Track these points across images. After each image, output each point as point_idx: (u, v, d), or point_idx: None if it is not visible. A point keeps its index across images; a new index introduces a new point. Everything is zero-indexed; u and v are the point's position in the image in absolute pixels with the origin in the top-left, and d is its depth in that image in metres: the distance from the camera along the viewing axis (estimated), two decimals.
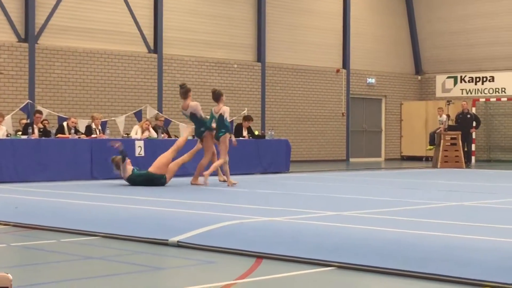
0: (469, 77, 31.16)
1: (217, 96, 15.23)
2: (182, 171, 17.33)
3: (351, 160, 29.86)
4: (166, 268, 7.20)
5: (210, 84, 25.05)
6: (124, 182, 15.01)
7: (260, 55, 27.04)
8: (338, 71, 29.50)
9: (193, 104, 15.20)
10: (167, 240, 7.99)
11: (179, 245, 7.85)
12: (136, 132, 18.98)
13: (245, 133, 20.71)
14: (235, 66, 26.37)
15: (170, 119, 22.00)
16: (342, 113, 29.75)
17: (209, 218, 8.71)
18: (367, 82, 30.73)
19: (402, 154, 31.69)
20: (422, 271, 6.35)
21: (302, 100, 28.37)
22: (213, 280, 6.29)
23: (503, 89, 30.31)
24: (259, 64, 27.02)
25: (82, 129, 18.69)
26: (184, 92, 15.22)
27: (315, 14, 28.83)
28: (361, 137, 30.92)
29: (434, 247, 6.78)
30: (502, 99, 29.77)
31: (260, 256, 7.25)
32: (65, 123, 18.52)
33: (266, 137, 20.89)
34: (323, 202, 11.61)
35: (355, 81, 30.25)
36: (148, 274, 6.71)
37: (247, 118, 21.15)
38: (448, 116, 25.02)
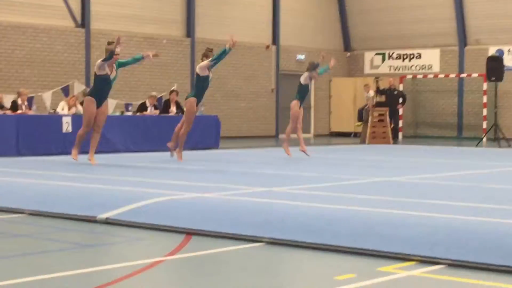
0: (397, 54, 31.55)
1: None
2: (108, 147, 17.20)
3: (281, 136, 29.98)
4: (95, 245, 7.14)
5: None
6: (50, 159, 14.80)
7: (189, 31, 26.88)
8: (267, 47, 29.52)
9: None
10: (96, 217, 7.92)
11: (107, 222, 7.80)
12: (63, 108, 18.72)
13: (173, 108, 20.51)
14: (164, 41, 26.15)
15: None
16: (272, 89, 29.82)
17: (138, 194, 8.65)
18: (297, 58, 30.84)
19: (331, 130, 31.97)
20: (351, 246, 6.43)
21: (231, 76, 28.33)
22: (143, 256, 6.26)
23: (429, 66, 30.80)
24: (189, 39, 26.86)
25: (7, 104, 18.34)
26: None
27: None
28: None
29: (362, 222, 6.86)
30: (429, 76, 30.24)
31: (189, 233, 7.24)
32: None
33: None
34: (252, 178, 11.64)
35: (284, 57, 30.33)
36: (77, 252, 6.64)
37: (174, 91, 20.74)
38: (376, 91, 25.23)
